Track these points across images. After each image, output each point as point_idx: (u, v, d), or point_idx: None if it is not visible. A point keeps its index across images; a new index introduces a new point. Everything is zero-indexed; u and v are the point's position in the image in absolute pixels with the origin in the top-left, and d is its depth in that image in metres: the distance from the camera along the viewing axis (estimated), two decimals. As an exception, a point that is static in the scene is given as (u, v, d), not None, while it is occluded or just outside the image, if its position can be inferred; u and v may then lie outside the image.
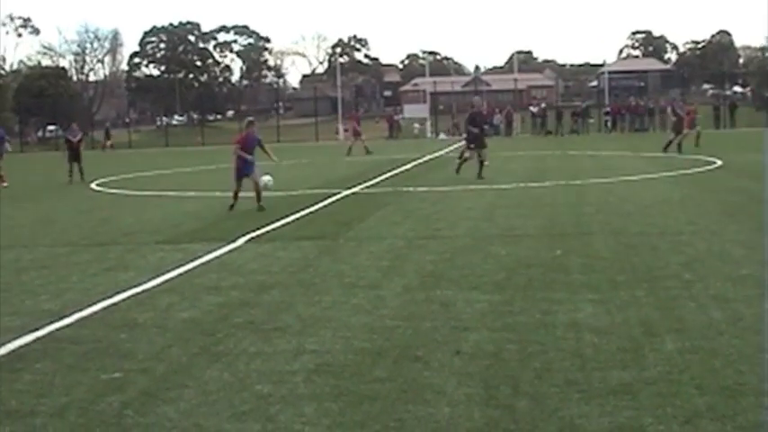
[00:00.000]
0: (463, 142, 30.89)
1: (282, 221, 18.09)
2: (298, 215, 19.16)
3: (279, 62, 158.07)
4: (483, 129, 29.03)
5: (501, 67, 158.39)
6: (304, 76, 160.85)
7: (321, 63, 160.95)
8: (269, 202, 20.62)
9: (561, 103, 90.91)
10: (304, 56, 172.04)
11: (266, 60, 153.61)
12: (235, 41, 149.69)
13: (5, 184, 33.76)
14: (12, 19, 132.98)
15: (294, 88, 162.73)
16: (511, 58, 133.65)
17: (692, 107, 43.77)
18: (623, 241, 14.53)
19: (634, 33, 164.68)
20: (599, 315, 9.44)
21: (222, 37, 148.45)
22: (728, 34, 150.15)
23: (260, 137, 22.24)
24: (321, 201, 22.14)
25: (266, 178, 21.41)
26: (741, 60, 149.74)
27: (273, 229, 17.33)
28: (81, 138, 37.15)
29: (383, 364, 7.94)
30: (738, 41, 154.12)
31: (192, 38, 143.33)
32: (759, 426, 6.16)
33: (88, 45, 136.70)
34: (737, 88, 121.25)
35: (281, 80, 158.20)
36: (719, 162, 31.62)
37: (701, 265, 12.06)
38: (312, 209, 20.34)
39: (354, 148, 49.35)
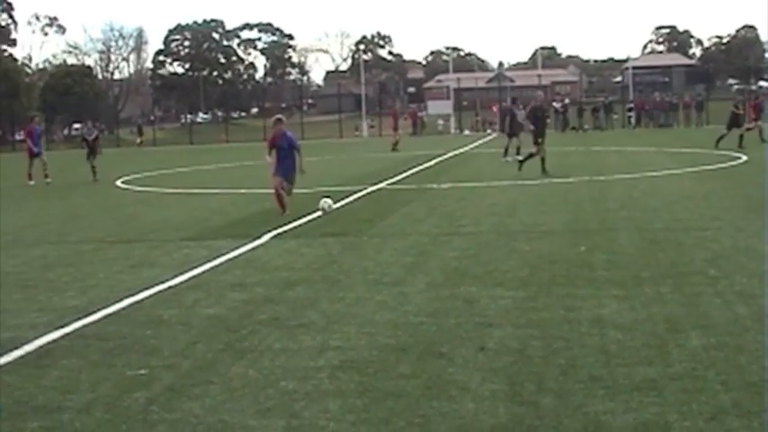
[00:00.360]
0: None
1: (307, 218, 18.11)
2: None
3: (302, 59, 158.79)
4: (544, 123, 28.77)
5: (525, 63, 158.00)
6: (328, 73, 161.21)
7: (345, 60, 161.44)
8: (293, 198, 20.62)
9: (585, 99, 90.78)
10: (327, 53, 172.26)
11: (290, 57, 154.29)
12: (259, 39, 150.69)
13: (32, 183, 33.91)
14: (38, 18, 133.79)
15: (318, 85, 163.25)
16: (535, 53, 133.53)
17: (757, 101, 43.27)
18: (648, 237, 14.53)
19: (658, 28, 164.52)
20: (623, 311, 9.45)
21: (246, 34, 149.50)
22: (754, 29, 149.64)
23: (293, 136, 20.28)
24: (345, 197, 22.14)
25: (327, 202, 18.91)
26: (766, 55, 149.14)
27: (298, 226, 17.37)
28: (96, 136, 37.30)
29: (407, 361, 7.97)
30: (764, 36, 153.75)
31: (216, 36, 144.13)
32: (784, 421, 6.15)
33: (113, 43, 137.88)
34: (763, 83, 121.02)
35: (304, 77, 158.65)
36: (745, 157, 31.52)
37: (726, 261, 12.03)
38: (336, 206, 20.33)
39: (398, 142, 49.47)
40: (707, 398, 6.66)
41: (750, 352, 7.76)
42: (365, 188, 24.97)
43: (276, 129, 20.06)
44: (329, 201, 18.95)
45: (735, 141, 37.33)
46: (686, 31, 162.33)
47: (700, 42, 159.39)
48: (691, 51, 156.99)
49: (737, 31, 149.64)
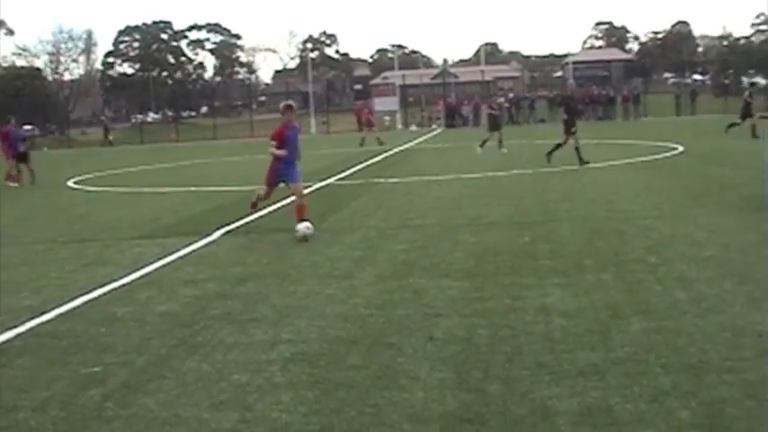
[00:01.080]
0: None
1: (257, 214, 18.11)
2: (272, 208, 19.18)
3: (251, 59, 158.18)
4: (575, 114, 28.54)
5: (468, 60, 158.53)
6: (276, 72, 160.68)
7: (292, 59, 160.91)
8: (242, 195, 20.62)
9: (527, 94, 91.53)
10: (275, 52, 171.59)
11: (238, 57, 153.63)
12: (207, 39, 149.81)
13: (17, 185, 33.20)
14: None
15: (266, 84, 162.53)
16: (478, 50, 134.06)
17: None
18: (590, 227, 14.79)
19: (597, 24, 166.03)
20: (567, 299, 9.66)
21: (194, 35, 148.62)
22: (687, 24, 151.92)
23: (298, 126, 17.02)
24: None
25: (307, 227, 15.23)
26: (700, 49, 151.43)
27: (248, 222, 17.42)
28: (24, 138, 36.75)
29: (357, 352, 8.11)
30: (697, 31, 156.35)
31: (164, 36, 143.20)
32: (722, 401, 6.37)
33: (63, 45, 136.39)
34: (697, 76, 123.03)
35: (253, 76, 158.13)
36: (681, 148, 32.07)
37: (665, 249, 12.32)
38: (286, 201, 20.26)
39: (367, 139, 49.57)
40: (648, 381, 6.87)
41: (688, 335, 8.00)
42: (314, 184, 24.99)
43: (286, 119, 16.25)
44: (309, 224, 15.29)
45: (747, 131, 37.70)
46: (623, 27, 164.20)
47: (636, 38, 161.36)
48: (628, 46, 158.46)
49: (672, 26, 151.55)
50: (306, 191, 19.20)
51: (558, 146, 27.48)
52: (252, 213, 17.41)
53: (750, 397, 6.43)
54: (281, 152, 15.83)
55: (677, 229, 14.09)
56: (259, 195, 16.56)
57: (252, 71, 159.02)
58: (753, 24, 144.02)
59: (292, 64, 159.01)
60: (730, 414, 6.16)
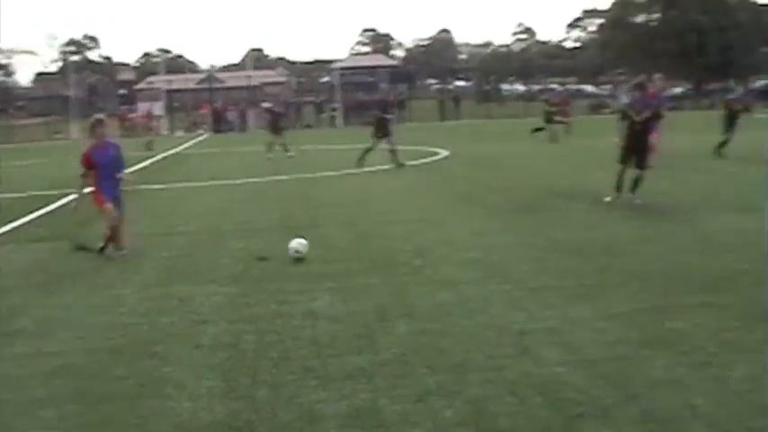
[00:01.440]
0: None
1: (16, 223, 17.57)
2: (32, 216, 18.64)
3: (8, 61, 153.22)
4: (384, 117, 28.65)
5: (235, 65, 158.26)
6: (37, 75, 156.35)
7: (54, 62, 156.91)
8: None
9: (294, 99, 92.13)
10: (35, 54, 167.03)
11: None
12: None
13: None
14: None
15: (26, 88, 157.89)
16: (245, 56, 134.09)
17: (563, 98, 44.75)
18: (358, 231, 14.97)
19: (364, 31, 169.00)
20: (335, 303, 9.75)
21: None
22: (449, 32, 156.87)
23: (118, 144, 14.67)
24: (57, 201, 21.49)
25: (299, 244, 12.62)
26: (463, 56, 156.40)
27: (6, 232, 16.83)
28: None
29: (122, 362, 7.97)
30: (459, 39, 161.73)
31: None
32: (485, 399, 6.57)
33: None
34: (460, 82, 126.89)
35: (10, 79, 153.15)
36: (446, 152, 32.83)
37: (430, 252, 12.57)
38: (47, 209, 19.78)
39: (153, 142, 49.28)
40: (413, 382, 7.01)
41: (452, 336, 8.21)
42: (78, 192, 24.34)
43: (98, 136, 14.00)
44: (303, 242, 12.70)
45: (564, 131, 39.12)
46: (388, 34, 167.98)
47: (400, 44, 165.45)
48: (395, 53, 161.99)
49: (438, 33, 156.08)
50: (67, 198, 18.64)
51: (393, 151, 27.49)
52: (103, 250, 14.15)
53: (512, 394, 6.64)
54: (85, 189, 14.14)
55: (442, 231, 14.42)
56: (106, 234, 14.02)
57: (9, 74, 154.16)
58: (514, 33, 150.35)
59: (54, 67, 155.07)
60: (493, 411, 6.34)
